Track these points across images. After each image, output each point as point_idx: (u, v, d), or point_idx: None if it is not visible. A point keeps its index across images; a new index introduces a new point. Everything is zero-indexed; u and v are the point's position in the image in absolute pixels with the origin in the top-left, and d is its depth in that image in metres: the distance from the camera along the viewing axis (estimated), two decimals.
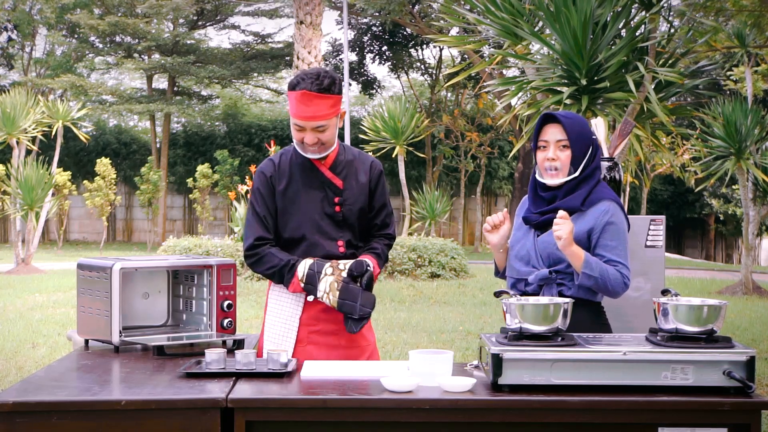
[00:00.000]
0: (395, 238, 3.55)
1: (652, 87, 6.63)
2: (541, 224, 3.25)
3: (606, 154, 4.45)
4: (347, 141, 17.11)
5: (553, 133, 3.23)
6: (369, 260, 3.32)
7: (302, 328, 3.35)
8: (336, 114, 3.28)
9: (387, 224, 3.49)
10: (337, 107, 3.27)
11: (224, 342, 3.31)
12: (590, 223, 3.18)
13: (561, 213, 3.09)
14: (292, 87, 3.26)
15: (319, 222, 3.34)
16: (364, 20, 26.34)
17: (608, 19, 6.59)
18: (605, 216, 3.18)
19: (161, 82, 29.59)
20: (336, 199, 3.35)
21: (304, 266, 3.26)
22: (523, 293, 3.24)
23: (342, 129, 23.66)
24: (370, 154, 15.78)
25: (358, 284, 3.23)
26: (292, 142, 3.41)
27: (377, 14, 24.19)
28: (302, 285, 3.26)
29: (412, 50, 27.13)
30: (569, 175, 3.21)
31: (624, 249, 3.18)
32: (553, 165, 3.22)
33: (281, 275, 3.29)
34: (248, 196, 14.31)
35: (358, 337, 3.39)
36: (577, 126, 3.23)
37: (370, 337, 3.45)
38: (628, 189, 21.67)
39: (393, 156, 17.64)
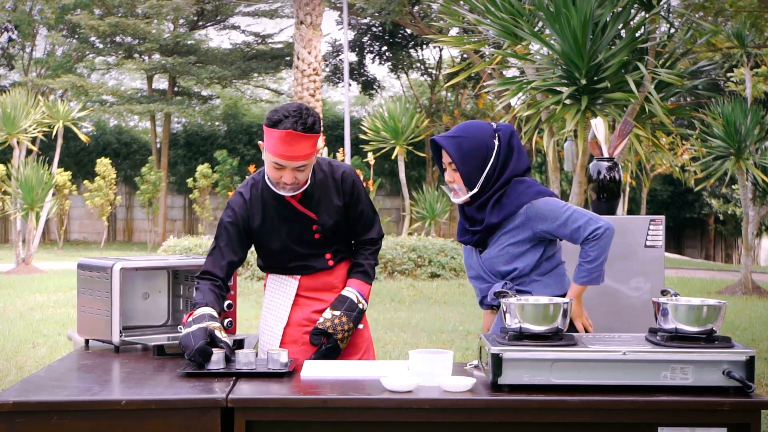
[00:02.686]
0: (382, 237, 3.50)
1: (652, 87, 6.64)
2: (476, 242, 3.27)
3: (606, 154, 4.45)
4: (347, 141, 17.10)
5: (445, 156, 3.23)
6: (356, 292, 3.32)
7: (297, 329, 3.37)
8: (315, 152, 3.20)
9: (369, 227, 3.43)
10: (316, 146, 3.19)
11: None
12: (526, 233, 3.19)
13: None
14: (274, 124, 3.11)
15: (298, 247, 3.33)
16: (364, 20, 26.32)
17: (608, 19, 6.59)
18: (531, 221, 3.17)
19: (161, 83, 29.60)
20: (314, 227, 3.32)
21: (190, 327, 3.00)
22: (490, 307, 3.32)
23: (342, 131, 23.62)
24: (376, 157, 15.65)
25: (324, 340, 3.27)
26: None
27: (377, 14, 24.17)
28: (186, 322, 3.08)
29: (412, 50, 27.12)
30: (469, 192, 3.21)
31: (570, 211, 3.15)
32: (451, 187, 3.25)
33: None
34: None
35: (354, 335, 3.42)
36: (464, 144, 3.17)
37: (365, 333, 3.49)
38: (627, 189, 21.66)
39: (393, 156, 17.64)
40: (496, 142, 3.19)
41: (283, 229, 3.30)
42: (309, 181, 3.27)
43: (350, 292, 3.34)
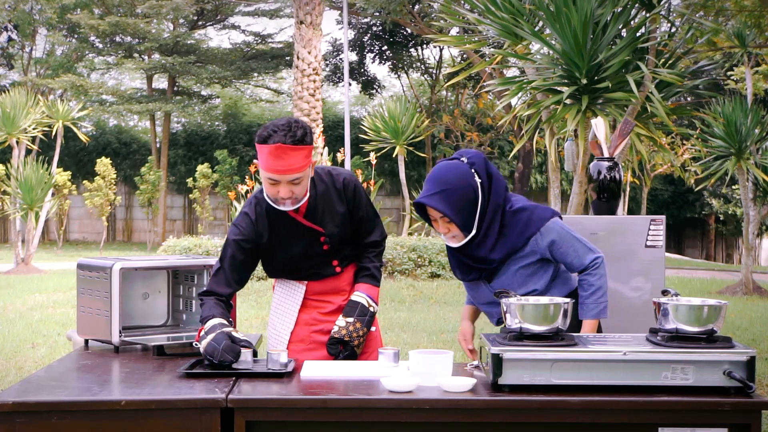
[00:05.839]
0: (385, 238, 3.51)
1: (653, 87, 6.63)
2: (485, 277, 3.22)
3: (606, 154, 4.45)
4: (347, 141, 17.09)
5: (433, 212, 3.15)
6: (365, 296, 3.34)
7: (304, 328, 3.39)
8: (309, 165, 3.17)
9: (371, 230, 3.45)
10: (309, 158, 3.16)
11: None
12: (536, 257, 3.16)
13: None
14: (263, 140, 3.11)
15: (307, 260, 3.34)
16: (364, 20, 26.32)
17: (609, 19, 6.58)
18: (540, 248, 3.15)
19: (161, 82, 29.60)
20: (321, 239, 3.32)
21: (207, 338, 2.98)
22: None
23: (342, 130, 23.60)
24: (377, 157, 15.70)
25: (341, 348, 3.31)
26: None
27: (377, 14, 24.17)
28: (200, 338, 3.03)
29: (412, 50, 27.12)
30: (468, 236, 3.15)
31: (577, 243, 3.16)
32: (449, 236, 3.17)
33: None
34: (248, 196, 14.31)
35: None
36: (452, 196, 3.09)
37: (375, 334, 3.50)
38: (628, 189, 21.66)
39: (393, 156, 17.64)
40: (477, 179, 3.12)
41: (292, 244, 3.29)
42: (309, 194, 3.25)
43: (360, 296, 3.35)
